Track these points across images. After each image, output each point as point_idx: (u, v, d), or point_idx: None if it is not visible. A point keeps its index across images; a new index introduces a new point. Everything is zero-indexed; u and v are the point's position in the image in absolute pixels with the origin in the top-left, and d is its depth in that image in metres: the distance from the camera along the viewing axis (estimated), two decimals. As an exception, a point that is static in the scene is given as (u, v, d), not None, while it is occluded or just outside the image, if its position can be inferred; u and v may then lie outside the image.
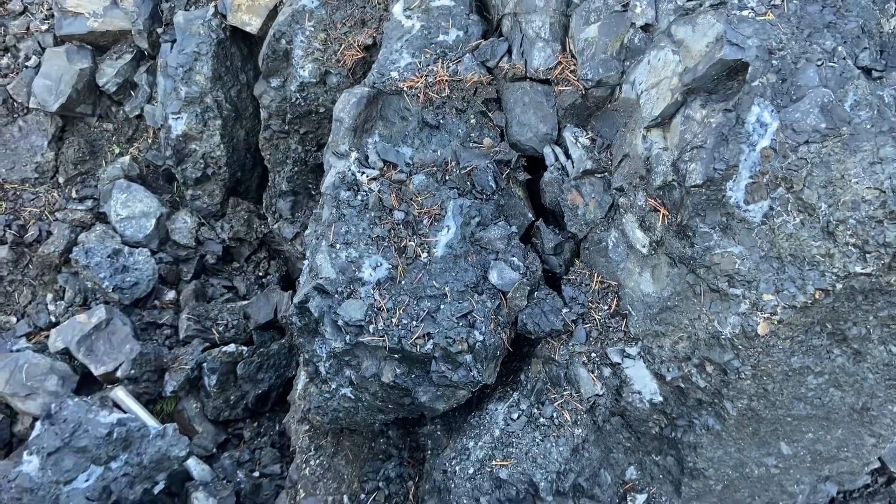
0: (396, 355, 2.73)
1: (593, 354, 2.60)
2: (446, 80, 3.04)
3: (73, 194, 4.97)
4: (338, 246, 2.84)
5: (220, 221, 4.92)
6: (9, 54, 5.04)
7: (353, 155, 3.03)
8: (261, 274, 5.00)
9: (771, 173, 2.18)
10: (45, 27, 5.01)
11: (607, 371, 2.58)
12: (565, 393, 2.61)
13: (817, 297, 2.13)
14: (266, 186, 4.78)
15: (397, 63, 3.13)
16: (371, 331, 2.71)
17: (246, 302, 4.70)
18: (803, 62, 2.23)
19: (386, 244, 2.86)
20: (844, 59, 2.22)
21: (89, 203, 4.91)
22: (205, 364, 4.29)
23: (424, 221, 2.88)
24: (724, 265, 2.26)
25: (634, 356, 2.53)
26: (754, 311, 2.21)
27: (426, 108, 3.05)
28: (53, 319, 4.53)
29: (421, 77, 3.06)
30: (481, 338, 2.67)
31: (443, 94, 3.05)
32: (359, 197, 2.94)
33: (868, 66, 2.25)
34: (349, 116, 3.06)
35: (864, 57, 2.26)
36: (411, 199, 2.92)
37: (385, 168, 3.01)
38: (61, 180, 4.99)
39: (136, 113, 5.00)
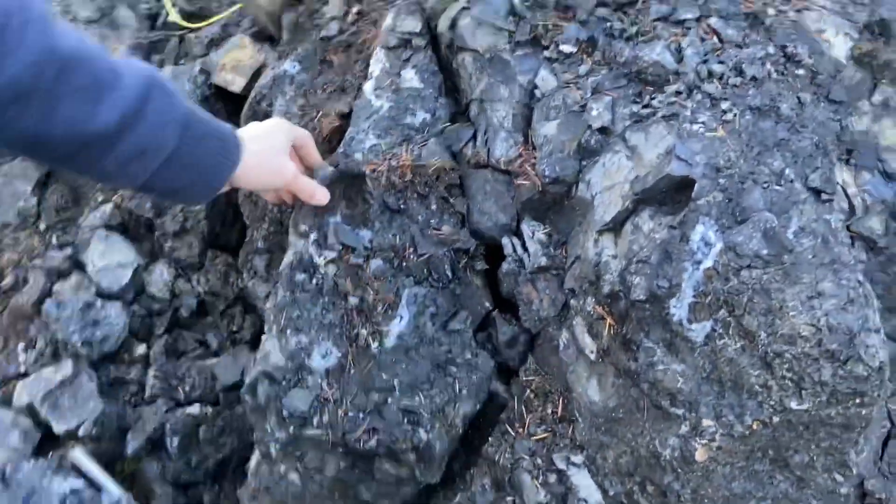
0: (340, 449, 2.68)
1: (538, 460, 2.54)
2: (409, 165, 3.03)
3: (54, 241, 4.97)
4: (288, 332, 2.81)
5: (198, 274, 4.90)
6: (-1, 99, 5.07)
7: (312, 236, 3.01)
8: (234, 329, 4.96)
9: (713, 295, 2.14)
10: (35, 75, 5.05)
11: (553, 477, 2.52)
12: (508, 499, 2.55)
13: (755, 427, 2.08)
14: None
15: (363, 143, 3.12)
16: (315, 423, 2.66)
17: (214, 361, 4.66)
18: (750, 183, 2.20)
19: (338, 331, 2.83)
20: (792, 181, 2.18)
21: (69, 250, 4.90)
22: (167, 425, 4.24)
23: (379, 308, 2.85)
24: (667, 382, 2.22)
25: (580, 465, 2.47)
26: (693, 436, 2.15)
27: (388, 191, 3.04)
28: (23, 370, 4.50)
29: (384, 160, 3.05)
30: (426, 437, 2.62)
31: (405, 179, 3.04)
32: (314, 281, 2.92)
33: (818, 187, 2.21)
34: (311, 197, 3.04)
35: (814, 178, 2.22)
36: (367, 285, 2.89)
37: (343, 251, 2.99)
38: (42, 227, 5.00)
39: (120, 162, 5.02)
